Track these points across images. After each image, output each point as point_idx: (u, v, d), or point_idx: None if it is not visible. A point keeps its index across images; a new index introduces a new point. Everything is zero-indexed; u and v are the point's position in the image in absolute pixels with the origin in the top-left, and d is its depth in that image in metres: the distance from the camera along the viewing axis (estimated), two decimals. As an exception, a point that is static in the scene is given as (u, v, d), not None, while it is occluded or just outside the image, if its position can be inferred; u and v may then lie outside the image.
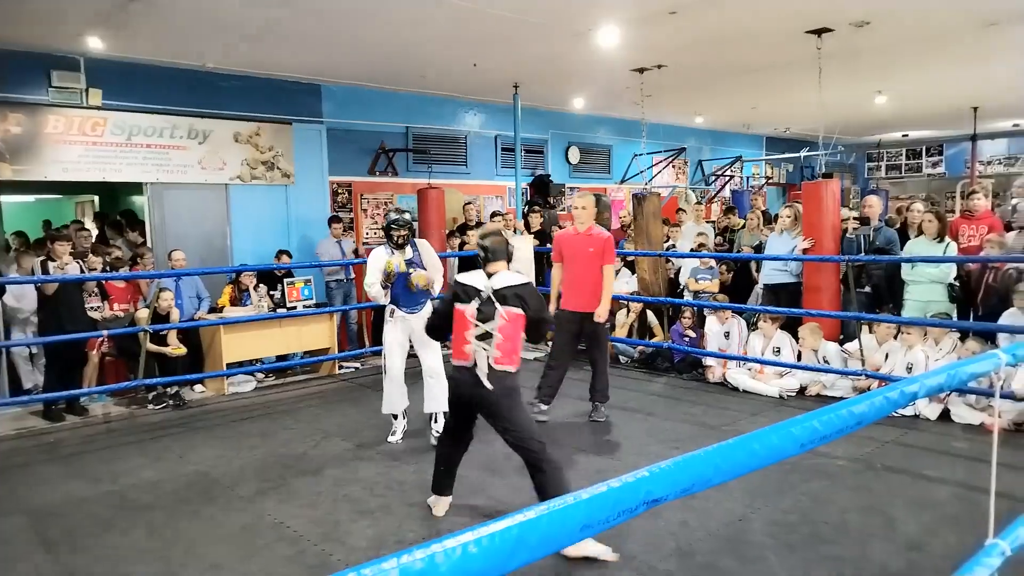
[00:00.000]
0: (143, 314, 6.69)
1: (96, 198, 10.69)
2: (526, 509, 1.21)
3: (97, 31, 6.45)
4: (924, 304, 6.32)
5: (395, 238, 5.24)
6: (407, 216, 5.35)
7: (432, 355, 5.31)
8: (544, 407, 5.80)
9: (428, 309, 5.26)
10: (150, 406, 6.66)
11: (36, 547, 3.84)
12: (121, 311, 7.04)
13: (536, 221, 9.41)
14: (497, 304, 3.68)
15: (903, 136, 16.32)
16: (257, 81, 8.49)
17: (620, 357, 8.18)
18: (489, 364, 3.64)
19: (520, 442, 3.66)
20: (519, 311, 3.69)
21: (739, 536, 3.75)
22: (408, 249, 5.29)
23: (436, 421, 5.35)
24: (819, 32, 7.00)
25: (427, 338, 4.69)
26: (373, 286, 5.16)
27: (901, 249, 6.70)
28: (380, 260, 5.17)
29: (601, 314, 5.63)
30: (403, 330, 5.32)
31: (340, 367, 8.10)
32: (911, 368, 5.89)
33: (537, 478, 3.64)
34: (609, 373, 5.96)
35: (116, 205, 10.28)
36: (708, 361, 7.29)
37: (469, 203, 10.14)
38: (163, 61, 7.60)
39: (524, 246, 8.03)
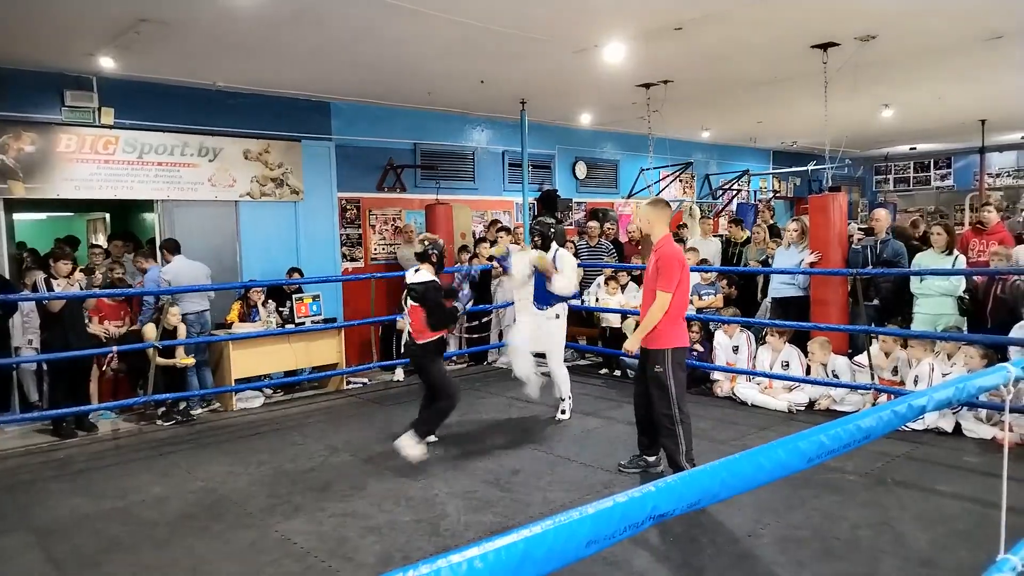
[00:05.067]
0: (150, 329, 6.72)
1: (107, 215, 10.77)
2: (532, 524, 1.21)
3: (109, 51, 6.53)
4: (935, 317, 6.29)
5: (533, 240, 6.28)
6: (540, 224, 6.28)
7: (551, 354, 6.17)
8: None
9: (556, 311, 6.14)
10: (159, 422, 6.68)
11: (43, 564, 3.84)
12: (115, 327, 7.06)
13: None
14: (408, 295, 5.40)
15: (911, 149, 16.29)
16: (266, 99, 8.57)
17: (628, 371, 8.16)
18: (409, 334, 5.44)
19: (433, 388, 5.43)
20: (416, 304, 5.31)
21: (748, 552, 3.72)
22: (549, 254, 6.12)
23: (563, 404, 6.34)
24: (825, 46, 7.02)
25: (548, 338, 6.10)
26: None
27: (909, 262, 6.68)
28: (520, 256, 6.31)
29: (628, 347, 4.75)
30: (531, 325, 6.17)
31: (348, 382, 8.11)
32: (918, 381, 5.85)
33: (434, 406, 5.39)
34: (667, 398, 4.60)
35: (127, 222, 10.36)
36: (716, 375, 7.26)
37: (496, 221, 10.22)
38: (174, 80, 7.70)
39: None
